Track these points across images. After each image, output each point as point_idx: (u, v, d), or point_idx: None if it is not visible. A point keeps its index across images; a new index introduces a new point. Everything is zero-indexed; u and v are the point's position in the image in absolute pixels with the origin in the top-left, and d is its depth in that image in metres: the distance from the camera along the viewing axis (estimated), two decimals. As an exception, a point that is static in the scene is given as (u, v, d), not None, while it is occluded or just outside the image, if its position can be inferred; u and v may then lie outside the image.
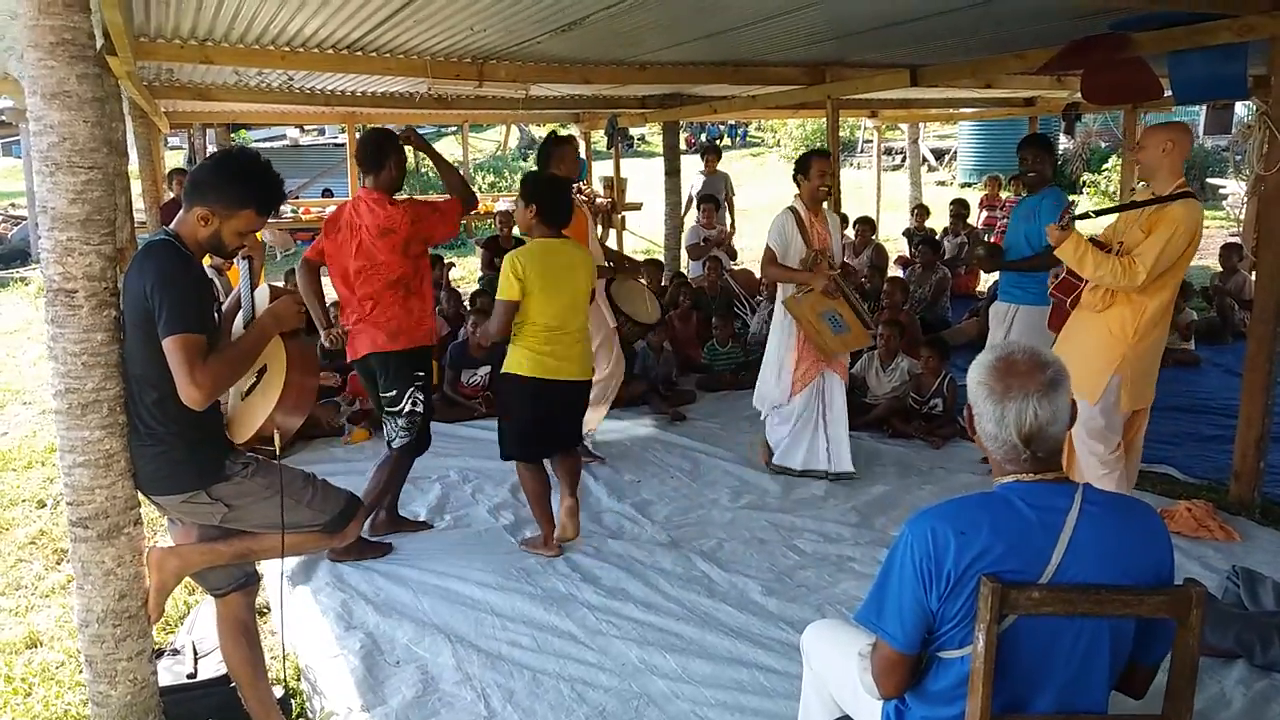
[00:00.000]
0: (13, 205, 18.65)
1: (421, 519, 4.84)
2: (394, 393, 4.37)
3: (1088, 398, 3.99)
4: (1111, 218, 4.43)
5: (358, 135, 11.43)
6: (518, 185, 4.96)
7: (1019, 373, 1.94)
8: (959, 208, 11.19)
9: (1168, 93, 5.81)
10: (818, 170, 5.09)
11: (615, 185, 11.99)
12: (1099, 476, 4.11)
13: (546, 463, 4.46)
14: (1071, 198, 5.18)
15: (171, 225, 2.69)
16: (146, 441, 2.66)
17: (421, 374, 4.41)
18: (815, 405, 5.28)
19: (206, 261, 3.58)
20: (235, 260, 2.90)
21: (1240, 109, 16.81)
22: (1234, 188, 16.45)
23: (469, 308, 7.81)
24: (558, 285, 4.11)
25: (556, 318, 4.13)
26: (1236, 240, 10.41)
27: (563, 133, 5.52)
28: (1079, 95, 8.36)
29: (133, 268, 2.60)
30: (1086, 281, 4.09)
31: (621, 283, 5.28)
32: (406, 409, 4.37)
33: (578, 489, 4.40)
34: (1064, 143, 19.19)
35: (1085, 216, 4.40)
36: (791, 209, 5.19)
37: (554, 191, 4.25)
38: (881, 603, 1.97)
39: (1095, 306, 4.07)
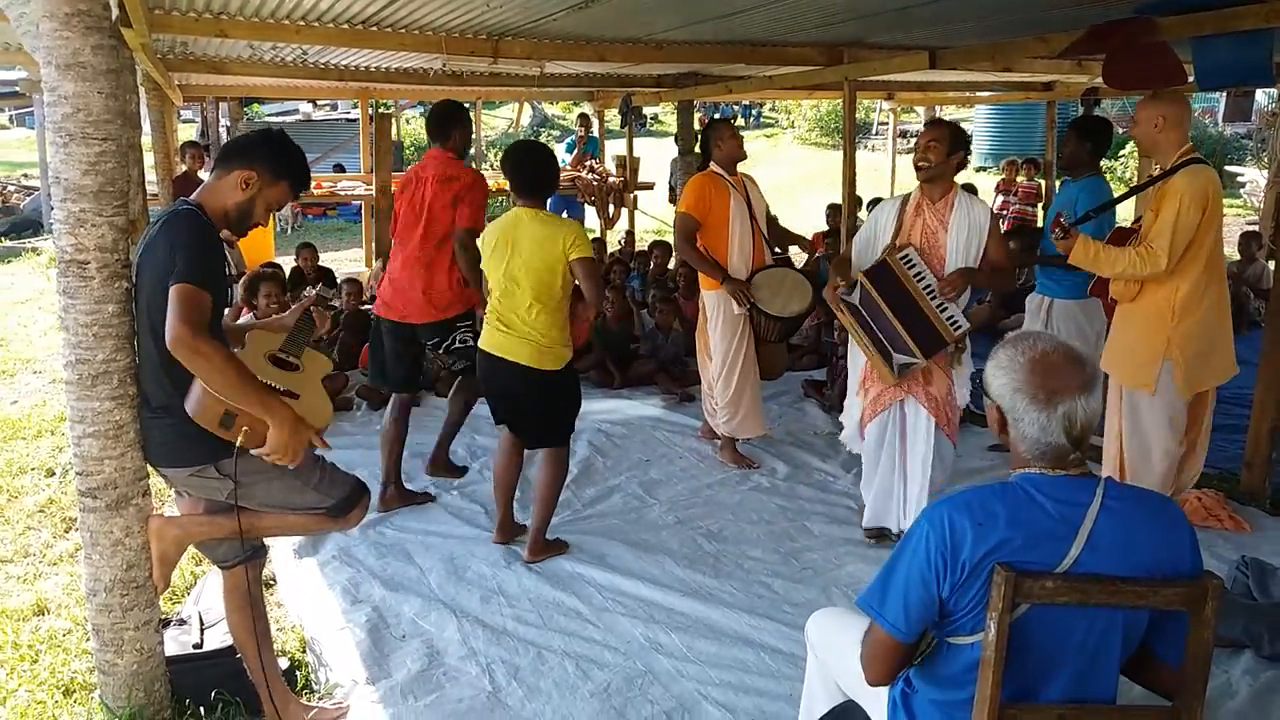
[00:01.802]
0: (25, 175, 18.69)
1: (429, 491, 4.86)
2: (437, 339, 4.60)
3: (1145, 388, 3.87)
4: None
5: (370, 111, 11.42)
6: None
7: (1060, 373, 1.88)
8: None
9: (1191, 78, 5.73)
10: (918, 144, 4.13)
11: (628, 164, 11.93)
12: (1159, 474, 3.94)
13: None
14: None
15: (194, 196, 2.69)
16: (157, 414, 2.66)
17: (467, 320, 4.61)
18: (892, 443, 4.16)
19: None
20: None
21: (1260, 96, 16.64)
22: (1252, 175, 16.31)
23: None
24: (500, 255, 3.92)
25: (498, 287, 3.96)
26: (1255, 228, 10.32)
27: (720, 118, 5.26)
28: (1099, 80, 8.29)
29: (158, 233, 2.59)
30: None
31: (760, 278, 4.92)
32: (456, 344, 4.60)
33: (537, 528, 4.16)
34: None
35: (1087, 219, 4.33)
36: (909, 194, 4.24)
37: (516, 160, 4.06)
38: (886, 589, 1.94)
39: (1125, 297, 3.96)
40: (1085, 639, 1.88)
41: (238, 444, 2.52)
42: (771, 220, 5.35)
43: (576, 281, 3.91)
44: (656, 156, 11.12)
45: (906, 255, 4.02)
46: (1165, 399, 3.92)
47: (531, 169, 4.01)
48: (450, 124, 4.60)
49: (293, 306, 3.05)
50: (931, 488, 4.08)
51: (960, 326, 4.02)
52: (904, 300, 3.98)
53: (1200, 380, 3.94)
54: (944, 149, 3.99)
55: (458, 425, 5.01)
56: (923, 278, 4.00)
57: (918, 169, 4.07)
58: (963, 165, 4.10)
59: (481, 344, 4.07)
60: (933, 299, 3.98)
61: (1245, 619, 3.40)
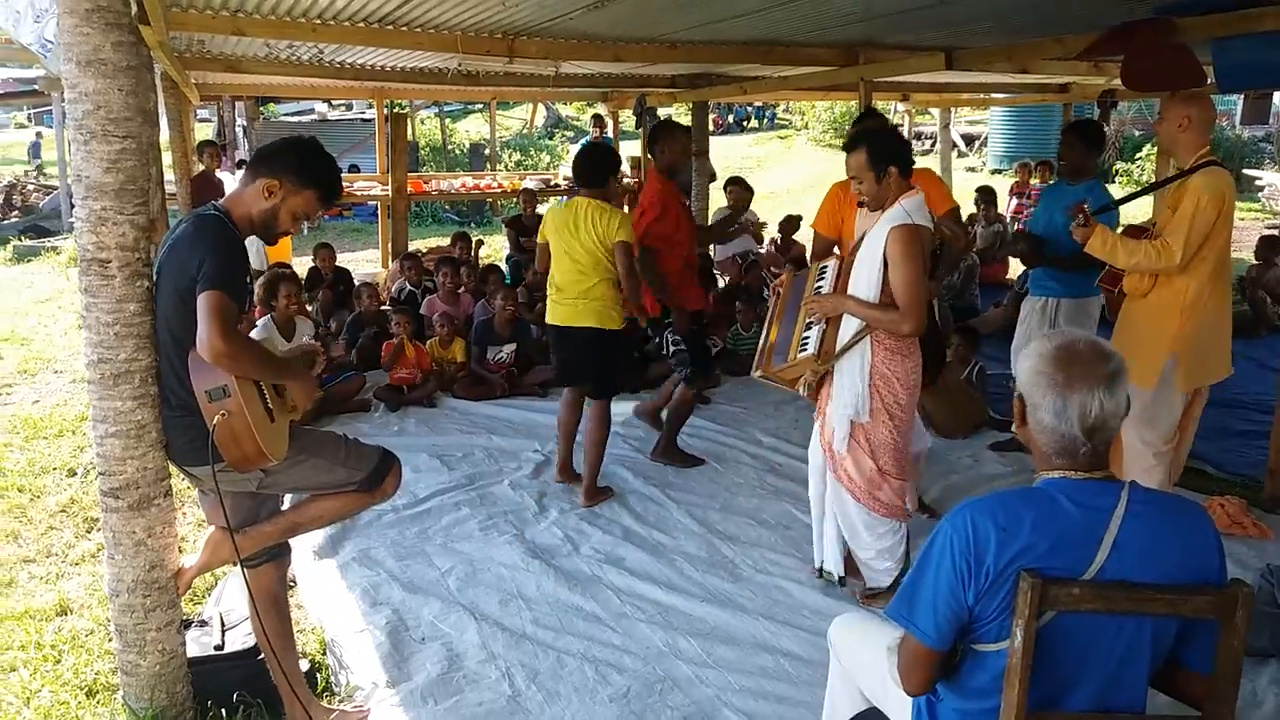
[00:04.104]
0: (42, 174, 18.78)
1: (439, 497, 4.86)
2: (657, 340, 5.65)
3: (1143, 383, 3.86)
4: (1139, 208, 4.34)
5: (385, 111, 11.43)
6: (543, 164, 5.25)
7: (1082, 362, 1.88)
8: (985, 195, 11.04)
9: (1210, 80, 5.69)
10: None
11: (642, 165, 11.92)
12: (1147, 468, 3.97)
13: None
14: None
15: (221, 202, 2.70)
16: (178, 413, 2.66)
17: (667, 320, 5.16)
18: (817, 466, 3.83)
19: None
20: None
21: (1278, 98, 16.52)
22: (1271, 178, 16.20)
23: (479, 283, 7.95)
24: (559, 238, 4.58)
25: (557, 268, 4.64)
26: (1275, 232, 10.24)
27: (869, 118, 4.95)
28: (1116, 82, 8.24)
29: (184, 236, 2.60)
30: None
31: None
32: (670, 350, 5.34)
33: (588, 480, 4.81)
34: (1096, 130, 18.91)
35: (1107, 209, 4.32)
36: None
37: (581, 156, 4.81)
38: (914, 597, 1.92)
39: (1137, 292, 3.99)
40: (1113, 647, 1.86)
41: (212, 425, 2.52)
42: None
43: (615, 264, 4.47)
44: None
45: (824, 268, 3.80)
46: (1166, 396, 3.94)
47: (591, 162, 4.67)
48: (653, 141, 5.19)
49: (304, 343, 3.17)
50: (843, 542, 3.75)
51: (805, 350, 3.57)
52: (794, 309, 3.77)
53: (1199, 377, 3.98)
54: (872, 177, 3.43)
55: (684, 415, 5.38)
56: (819, 292, 3.71)
57: (859, 204, 3.72)
58: (905, 168, 3.44)
59: (550, 319, 4.73)
60: (807, 316, 3.68)
61: (1271, 628, 3.36)
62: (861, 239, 3.64)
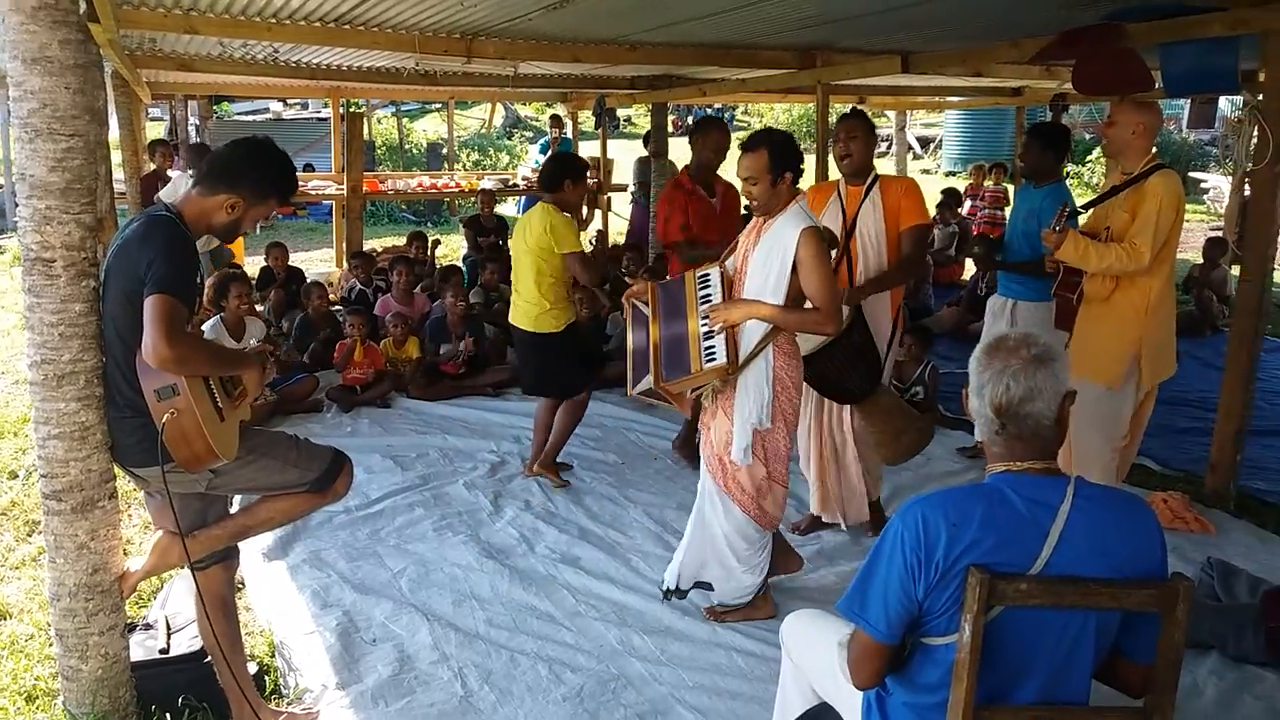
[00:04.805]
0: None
1: (392, 498, 4.82)
2: None
3: (1111, 382, 4.01)
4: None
5: (341, 110, 11.31)
6: (501, 164, 5.41)
7: (1006, 348, 1.97)
8: (948, 197, 11.16)
9: (1158, 84, 5.81)
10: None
11: (602, 166, 11.92)
12: (1104, 465, 4.08)
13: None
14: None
15: (175, 203, 2.64)
16: (126, 414, 2.62)
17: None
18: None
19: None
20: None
21: (1224, 103, 16.89)
22: (1216, 181, 16.55)
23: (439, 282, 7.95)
24: (518, 236, 4.86)
25: (514, 264, 4.88)
26: (1221, 235, 10.47)
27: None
28: (1067, 86, 8.38)
29: (133, 237, 2.55)
30: (1084, 275, 4.10)
31: (876, 400, 3.95)
32: None
33: (548, 450, 5.00)
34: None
35: (1077, 214, 4.40)
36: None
37: (545, 161, 5.14)
38: (865, 593, 1.94)
39: (1100, 295, 4.08)
40: (1059, 640, 1.89)
41: (161, 424, 2.49)
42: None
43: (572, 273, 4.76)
44: (630, 159, 11.19)
45: (707, 275, 3.61)
46: (1126, 393, 4.07)
47: (547, 168, 4.90)
48: (693, 135, 5.23)
49: (253, 345, 3.16)
50: (694, 557, 3.61)
51: (714, 360, 3.36)
52: (677, 320, 3.56)
53: (1160, 373, 4.11)
54: (767, 181, 3.35)
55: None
56: (708, 300, 3.54)
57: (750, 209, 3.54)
58: (798, 176, 3.40)
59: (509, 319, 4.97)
60: (703, 324, 3.47)
61: (1211, 620, 3.44)
62: (736, 244, 3.60)
